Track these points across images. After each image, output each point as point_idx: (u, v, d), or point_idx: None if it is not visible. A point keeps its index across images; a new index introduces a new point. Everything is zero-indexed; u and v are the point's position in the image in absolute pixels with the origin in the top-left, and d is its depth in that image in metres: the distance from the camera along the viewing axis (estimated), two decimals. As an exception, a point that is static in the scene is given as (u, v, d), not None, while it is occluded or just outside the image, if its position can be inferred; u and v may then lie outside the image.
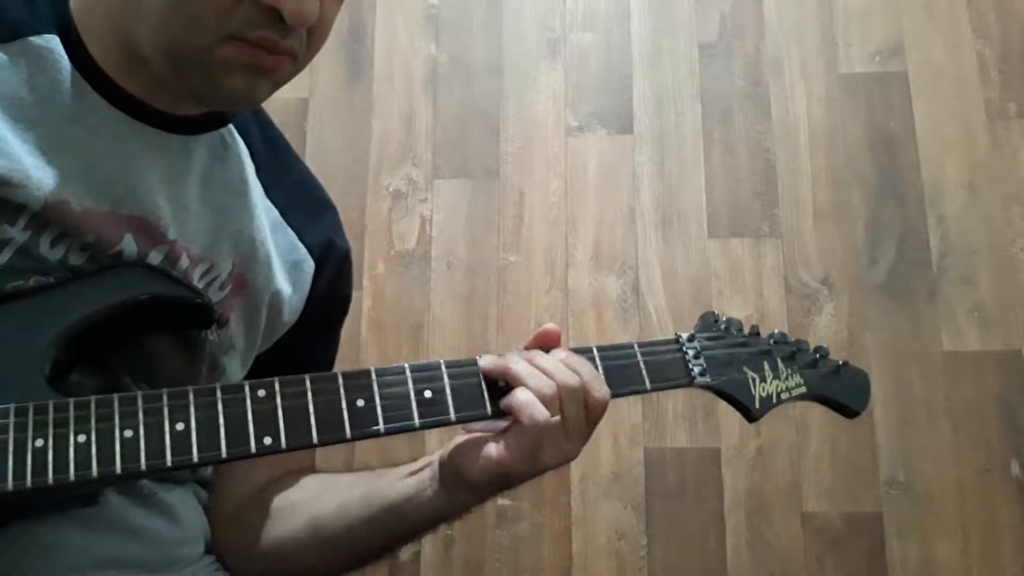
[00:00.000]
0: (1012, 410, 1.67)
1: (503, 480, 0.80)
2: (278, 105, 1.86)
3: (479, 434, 0.80)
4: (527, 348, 0.83)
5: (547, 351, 0.82)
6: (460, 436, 0.82)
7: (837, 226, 1.80)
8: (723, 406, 1.73)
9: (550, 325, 0.83)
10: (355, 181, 1.87)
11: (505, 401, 0.77)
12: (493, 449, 0.78)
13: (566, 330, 1.77)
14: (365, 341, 1.78)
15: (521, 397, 0.76)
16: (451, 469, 0.81)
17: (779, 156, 1.85)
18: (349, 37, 1.97)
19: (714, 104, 1.90)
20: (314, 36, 0.79)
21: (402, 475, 0.86)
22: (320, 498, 0.92)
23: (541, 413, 0.75)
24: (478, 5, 1.99)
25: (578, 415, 0.79)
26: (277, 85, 0.79)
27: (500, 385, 0.79)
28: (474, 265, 1.83)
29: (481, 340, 1.77)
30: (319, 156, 1.88)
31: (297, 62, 0.79)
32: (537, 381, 0.77)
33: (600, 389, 0.79)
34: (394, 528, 0.87)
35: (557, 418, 0.77)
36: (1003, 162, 1.80)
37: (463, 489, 0.81)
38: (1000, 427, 1.66)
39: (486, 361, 0.79)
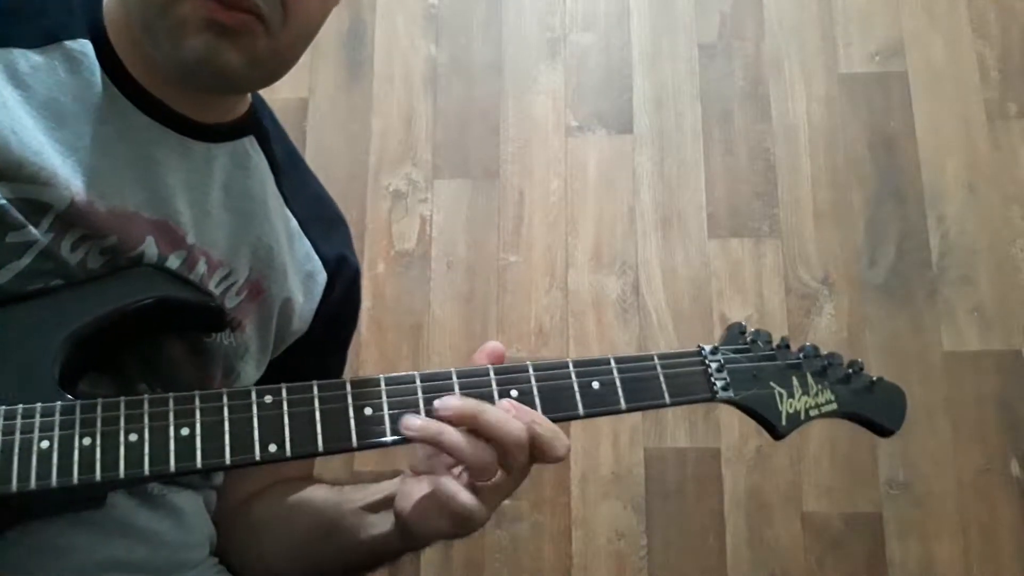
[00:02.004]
0: (1012, 410, 1.67)
1: (450, 538, 0.78)
2: (278, 105, 1.84)
3: (425, 484, 0.77)
4: (478, 364, 0.79)
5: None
6: (412, 482, 0.79)
7: (837, 226, 1.80)
8: (724, 406, 1.74)
9: (495, 344, 0.80)
10: (355, 181, 1.87)
11: (434, 486, 0.74)
12: (436, 522, 0.76)
13: (566, 330, 1.77)
14: (365, 341, 1.78)
15: (442, 491, 0.73)
16: (404, 525, 0.80)
17: (779, 156, 1.85)
18: (349, 37, 1.97)
19: (714, 104, 1.90)
20: (290, 5, 0.78)
21: (369, 505, 0.86)
22: (298, 514, 0.93)
23: (461, 506, 0.73)
24: (478, 5, 1.99)
25: (522, 463, 0.75)
26: (250, 56, 0.78)
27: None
28: (474, 265, 1.83)
29: (481, 340, 1.76)
30: (319, 156, 1.87)
31: (271, 32, 0.78)
32: (472, 455, 0.72)
33: (559, 447, 0.74)
34: (358, 560, 0.88)
35: (479, 500, 0.74)
36: (1003, 162, 1.80)
37: (417, 539, 0.81)
38: (1000, 427, 1.66)
39: (410, 426, 0.73)
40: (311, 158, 1.85)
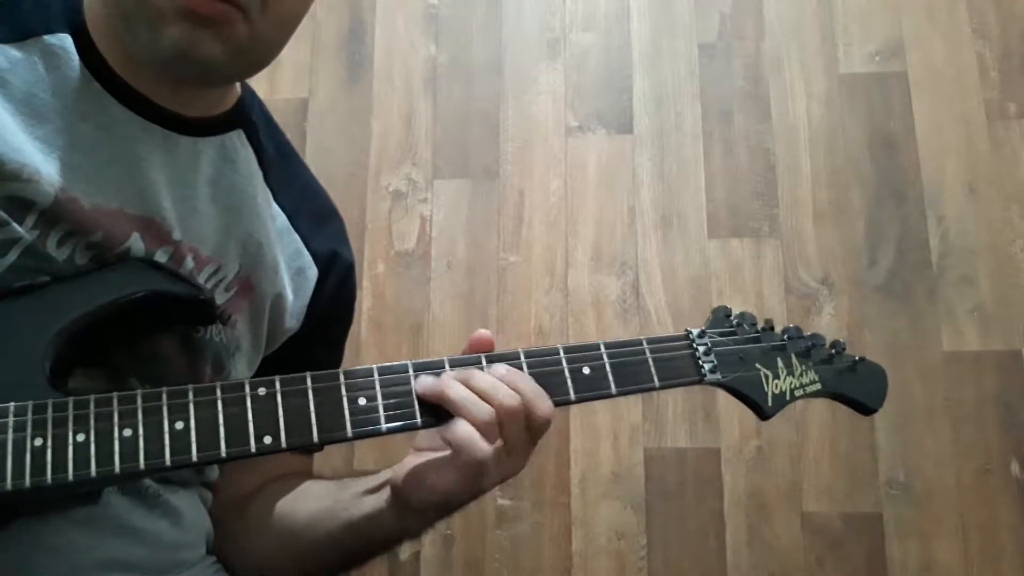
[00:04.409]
0: (1012, 410, 1.67)
1: (446, 507, 0.79)
2: (278, 105, 1.87)
3: (427, 457, 0.78)
4: (464, 354, 0.80)
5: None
6: (411, 456, 0.80)
7: (837, 226, 1.80)
8: (723, 406, 1.74)
9: (483, 332, 0.80)
10: (355, 181, 1.87)
11: (445, 435, 0.74)
12: (435, 479, 0.76)
13: (566, 330, 1.77)
14: (365, 341, 1.78)
15: (460, 434, 0.73)
16: (399, 494, 0.80)
17: (779, 156, 1.85)
18: (349, 37, 1.97)
19: (714, 104, 1.90)
20: None
21: (365, 491, 0.86)
22: (295, 509, 0.92)
23: (481, 451, 0.73)
24: (478, 5, 1.99)
25: (519, 435, 0.76)
26: (231, 45, 0.77)
27: None
28: (474, 265, 1.83)
29: (481, 340, 1.77)
30: (319, 156, 1.88)
31: (250, 20, 0.77)
32: (473, 408, 0.74)
33: (542, 406, 0.76)
34: (354, 545, 0.88)
35: (498, 444, 0.75)
36: (1003, 162, 1.80)
37: (411, 513, 0.81)
38: (1000, 427, 1.66)
39: (421, 385, 0.76)
40: (311, 158, 1.86)
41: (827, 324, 1.74)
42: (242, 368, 0.92)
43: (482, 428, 0.73)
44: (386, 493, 0.82)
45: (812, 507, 1.65)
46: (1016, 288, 1.73)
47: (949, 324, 1.72)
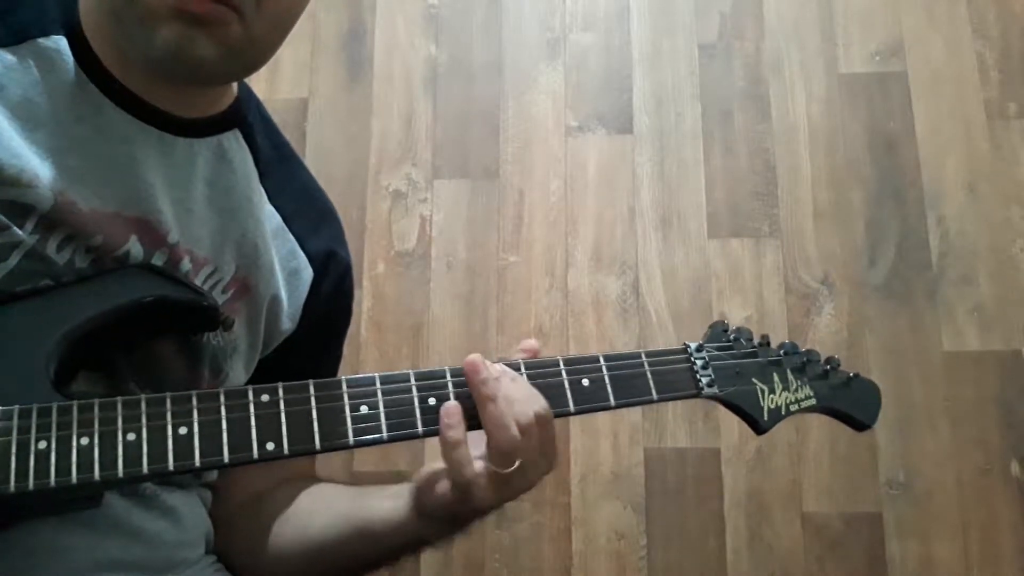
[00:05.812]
0: (1012, 410, 1.67)
1: (453, 519, 0.80)
2: (278, 105, 1.86)
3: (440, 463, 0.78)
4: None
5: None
6: (435, 463, 0.80)
7: (837, 226, 1.80)
8: (721, 405, 1.73)
9: (475, 358, 0.79)
10: (355, 181, 1.87)
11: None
12: (439, 478, 0.77)
13: (566, 330, 1.77)
14: (365, 341, 1.78)
15: (459, 457, 0.75)
16: (421, 502, 0.80)
17: (779, 156, 1.85)
18: (349, 37, 1.97)
19: (714, 104, 1.90)
20: None
21: (384, 498, 0.86)
22: (308, 513, 0.92)
23: (473, 472, 0.75)
24: (478, 5, 1.99)
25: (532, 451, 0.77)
26: (225, 46, 0.76)
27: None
28: (474, 265, 1.83)
29: (481, 340, 1.77)
30: (319, 156, 1.87)
31: (245, 20, 0.76)
32: (500, 435, 0.75)
33: (536, 406, 0.77)
34: (373, 551, 0.88)
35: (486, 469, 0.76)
36: (1003, 162, 1.80)
37: (427, 519, 0.81)
38: (1000, 427, 1.66)
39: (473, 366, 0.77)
40: (311, 158, 1.86)
41: (827, 324, 1.74)
42: (239, 370, 0.91)
43: (504, 450, 0.75)
44: (408, 501, 0.82)
45: (812, 507, 1.65)
46: (1016, 288, 1.73)
47: (949, 324, 1.73)
